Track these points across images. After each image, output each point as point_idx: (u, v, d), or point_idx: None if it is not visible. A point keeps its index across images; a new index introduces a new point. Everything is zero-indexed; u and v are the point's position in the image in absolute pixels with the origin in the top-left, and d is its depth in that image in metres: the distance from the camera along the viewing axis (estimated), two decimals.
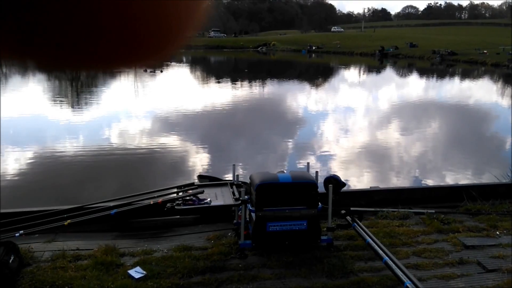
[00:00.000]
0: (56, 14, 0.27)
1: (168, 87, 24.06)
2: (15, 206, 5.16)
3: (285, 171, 5.11)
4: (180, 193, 4.34)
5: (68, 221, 4.09)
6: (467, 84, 28.98)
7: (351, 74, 36.58)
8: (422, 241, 4.37)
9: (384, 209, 5.07)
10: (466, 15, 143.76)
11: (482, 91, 24.04)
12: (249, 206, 4.03)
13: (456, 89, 25.61)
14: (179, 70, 37.12)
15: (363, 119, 15.28)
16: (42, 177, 8.22)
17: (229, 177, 6.11)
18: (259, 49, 66.83)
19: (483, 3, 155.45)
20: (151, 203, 4.27)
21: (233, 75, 33.06)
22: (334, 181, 4.34)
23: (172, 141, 11.16)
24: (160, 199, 4.27)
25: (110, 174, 8.56)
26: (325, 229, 4.19)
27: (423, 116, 16.11)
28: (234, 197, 4.24)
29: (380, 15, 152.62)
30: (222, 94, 21.35)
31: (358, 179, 8.61)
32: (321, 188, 4.26)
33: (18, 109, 14.95)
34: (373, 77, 35.60)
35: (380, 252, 3.55)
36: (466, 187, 5.79)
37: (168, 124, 13.14)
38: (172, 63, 36.96)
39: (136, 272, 3.64)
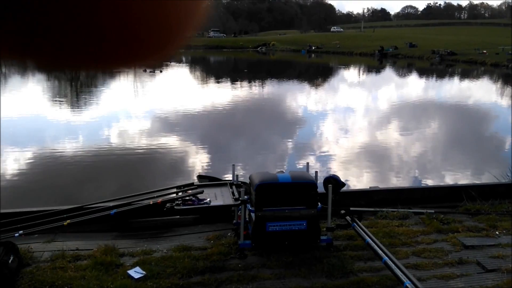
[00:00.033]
0: (56, 14, 0.27)
1: (167, 87, 24.06)
2: (15, 206, 5.16)
3: (284, 171, 5.11)
4: (180, 193, 4.35)
5: (68, 221, 4.09)
6: (467, 84, 28.99)
7: (351, 74, 36.58)
8: (422, 241, 4.37)
9: (383, 209, 5.08)
10: (466, 15, 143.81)
11: (481, 91, 24.05)
12: (248, 206, 4.03)
13: (456, 89, 25.62)
14: (178, 70, 37.12)
15: (363, 119, 15.28)
16: (42, 177, 8.22)
17: (228, 177, 6.12)
18: (258, 49, 66.85)
19: (483, 3, 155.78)
20: (151, 203, 4.27)
21: (232, 75, 33.08)
22: (333, 181, 4.34)
23: (171, 141, 11.16)
24: (159, 199, 4.27)
25: (110, 174, 8.56)
26: (325, 229, 4.19)
27: (422, 116, 16.11)
28: (234, 197, 4.25)
29: (380, 15, 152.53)
30: (222, 94, 21.34)
31: (358, 179, 8.61)
32: (320, 188, 4.26)
33: (18, 109, 14.95)
34: (372, 77, 35.60)
35: (380, 252, 3.56)
36: (465, 187, 5.79)
37: (167, 124, 13.14)
38: (172, 63, 36.96)
39: (136, 272, 3.64)
